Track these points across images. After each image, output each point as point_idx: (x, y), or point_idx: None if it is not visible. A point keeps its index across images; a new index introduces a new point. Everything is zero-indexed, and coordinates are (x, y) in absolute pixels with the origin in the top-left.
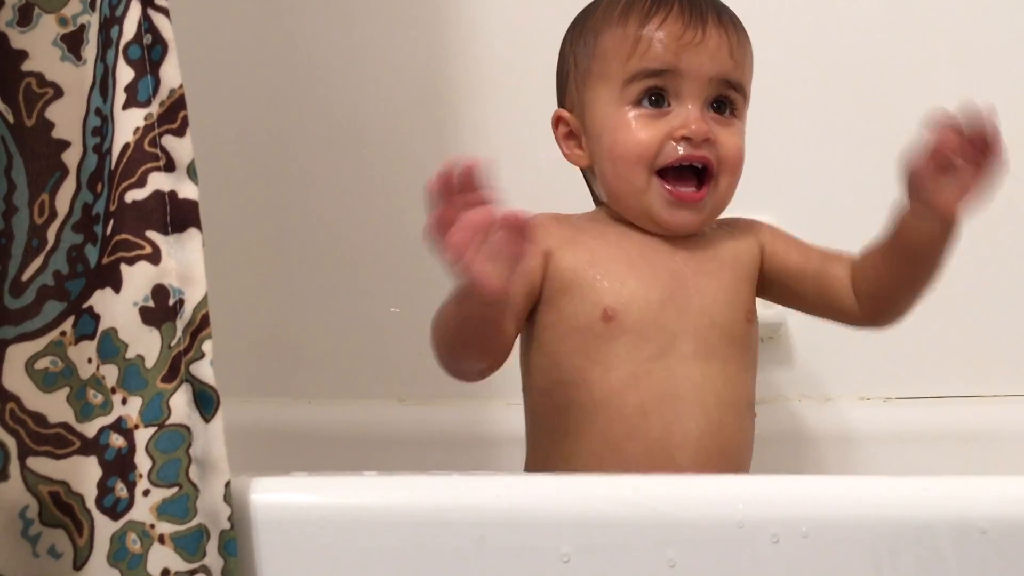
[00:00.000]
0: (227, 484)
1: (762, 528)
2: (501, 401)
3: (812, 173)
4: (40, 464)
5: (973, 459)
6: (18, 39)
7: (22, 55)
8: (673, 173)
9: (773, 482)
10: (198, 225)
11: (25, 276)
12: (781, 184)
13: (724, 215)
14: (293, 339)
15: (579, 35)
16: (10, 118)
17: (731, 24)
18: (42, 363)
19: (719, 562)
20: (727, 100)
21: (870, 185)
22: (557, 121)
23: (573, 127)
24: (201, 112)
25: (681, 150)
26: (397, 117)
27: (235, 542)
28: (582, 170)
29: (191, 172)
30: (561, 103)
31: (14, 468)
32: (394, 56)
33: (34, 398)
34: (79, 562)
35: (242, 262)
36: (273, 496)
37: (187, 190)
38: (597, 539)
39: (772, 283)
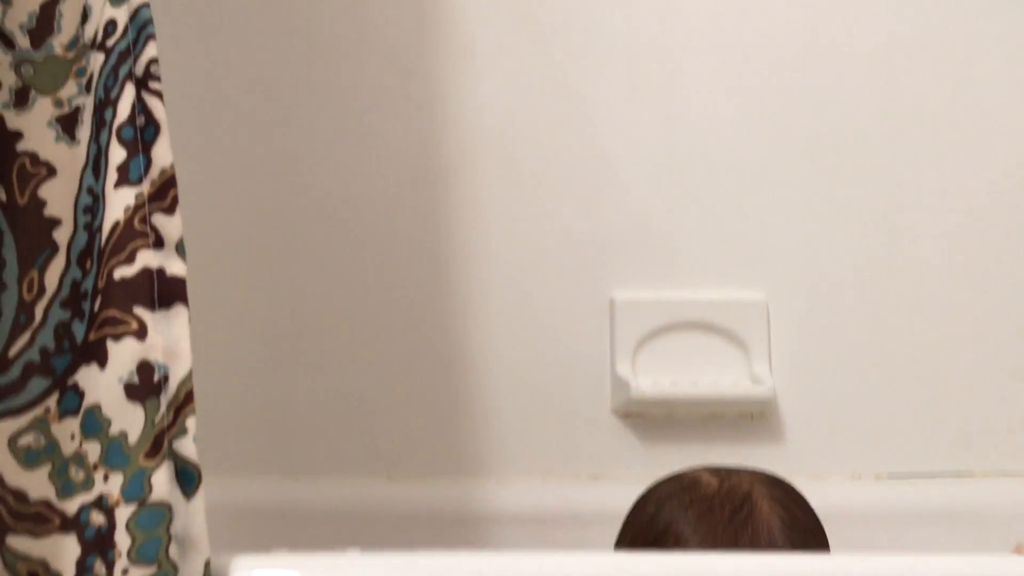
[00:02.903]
0: (207, 563)
1: None
2: (491, 479)
3: (804, 248)
4: (19, 542)
5: (966, 537)
6: (14, 120)
7: (17, 136)
8: None
9: (765, 561)
10: (185, 301)
11: (12, 352)
12: (772, 260)
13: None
14: (279, 415)
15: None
16: (3, 196)
17: None
18: (25, 440)
19: None
20: None
21: (864, 259)
22: None
23: None
24: (192, 190)
25: None
26: (388, 194)
27: None
28: None
29: (179, 249)
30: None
31: None
32: (385, 134)
33: (15, 475)
34: None
35: (229, 338)
36: (254, 574)
37: (175, 267)
38: None
39: None
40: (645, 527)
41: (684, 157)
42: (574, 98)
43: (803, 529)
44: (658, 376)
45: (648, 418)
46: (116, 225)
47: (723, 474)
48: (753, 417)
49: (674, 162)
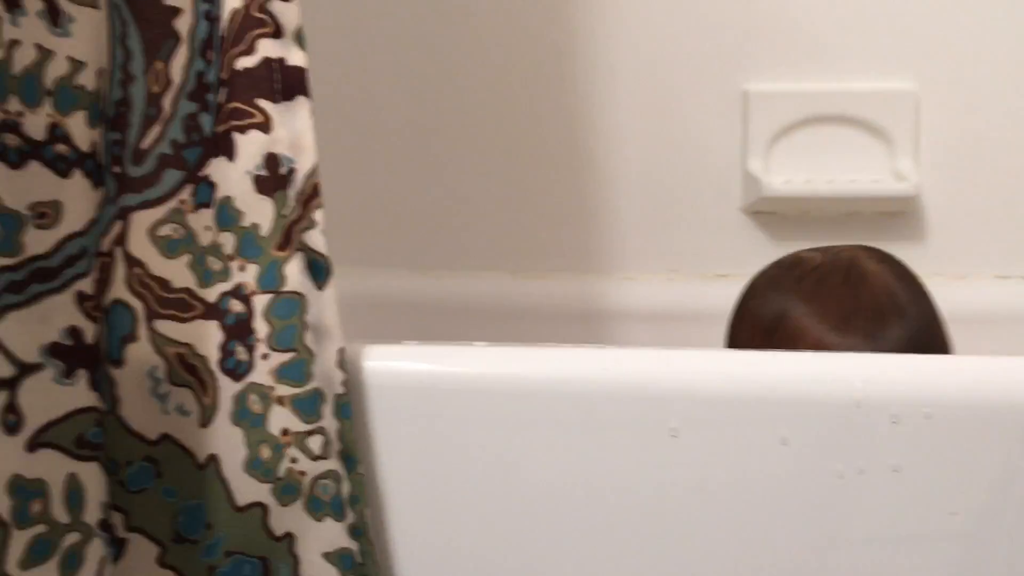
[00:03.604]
0: (340, 350)
1: (881, 408)
2: (616, 276)
3: (962, 36)
4: (166, 327)
5: None
6: None
7: None
8: None
9: (894, 361)
10: (307, 93)
11: (144, 144)
12: (926, 47)
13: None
14: (406, 211)
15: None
16: None
17: None
18: (164, 230)
19: (835, 442)
20: None
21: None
22: None
23: None
24: None
25: None
26: None
27: (349, 406)
28: None
29: (299, 38)
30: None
31: (142, 330)
32: None
33: (158, 264)
34: (205, 419)
35: (355, 132)
36: (384, 363)
37: (295, 57)
38: (706, 415)
39: None
40: (759, 315)
41: None
42: None
43: (914, 282)
44: (792, 173)
45: (780, 216)
46: (235, 13)
47: (822, 249)
48: (894, 215)
49: None
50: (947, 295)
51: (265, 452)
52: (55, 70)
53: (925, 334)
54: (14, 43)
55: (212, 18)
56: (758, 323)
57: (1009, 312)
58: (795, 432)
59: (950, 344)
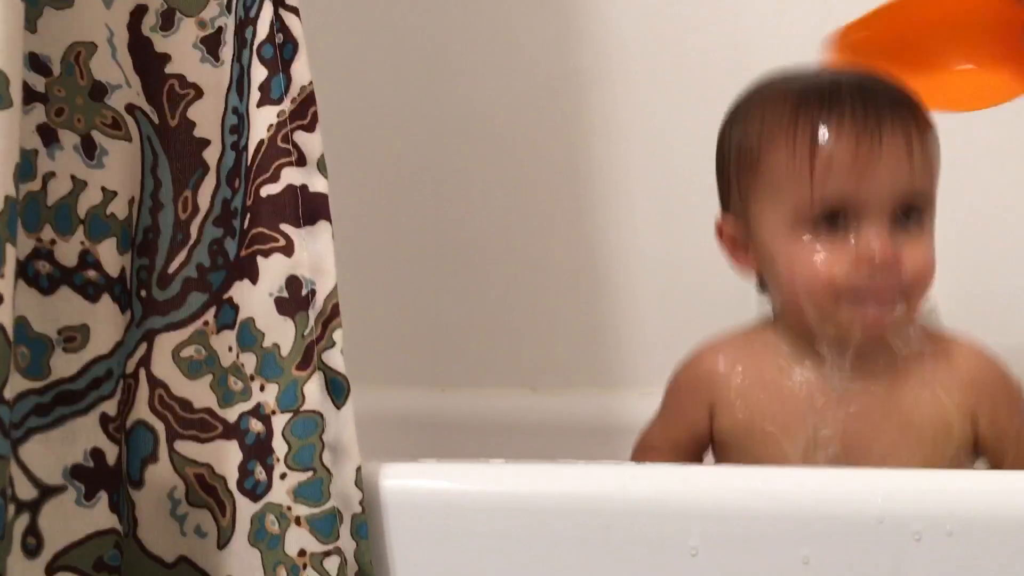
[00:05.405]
0: (358, 469)
1: (903, 525)
2: (635, 390)
3: None
4: (186, 447)
5: None
6: (161, 43)
7: (165, 58)
8: (859, 295)
9: (915, 476)
10: (328, 218)
11: (171, 269)
12: None
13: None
14: (425, 327)
15: (741, 133)
16: (155, 119)
17: (912, 121)
18: (187, 351)
19: (857, 560)
20: (911, 209)
21: None
22: (720, 230)
23: (738, 236)
24: (331, 106)
25: (864, 278)
26: (527, 103)
27: (366, 525)
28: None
29: (321, 166)
30: (723, 202)
31: (163, 451)
32: (522, 44)
33: (180, 385)
34: (223, 541)
35: (374, 252)
36: (402, 481)
37: (318, 184)
38: (726, 533)
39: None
40: (742, 159)
41: None
42: None
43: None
44: None
45: None
46: (261, 144)
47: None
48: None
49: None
50: None
51: (282, 574)
52: (88, 199)
53: None
54: (50, 175)
55: (239, 148)
56: (745, 165)
57: None
58: (817, 551)
59: None
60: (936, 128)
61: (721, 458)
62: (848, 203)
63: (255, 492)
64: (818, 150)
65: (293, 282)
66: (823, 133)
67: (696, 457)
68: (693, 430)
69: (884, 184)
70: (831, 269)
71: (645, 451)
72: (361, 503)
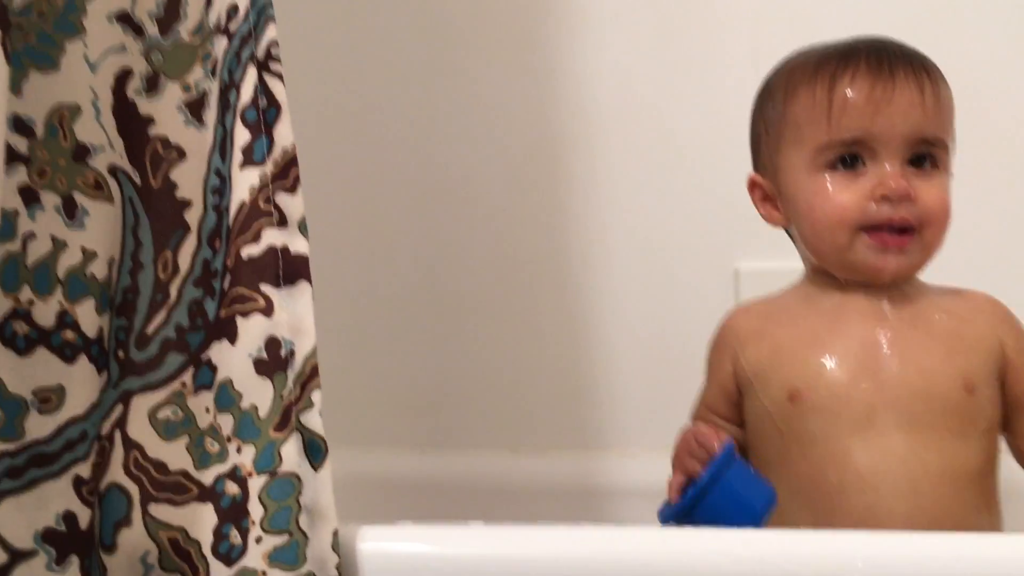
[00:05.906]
0: (335, 532)
1: None
2: (616, 452)
3: None
4: (161, 511)
5: None
6: (146, 106)
7: (149, 121)
8: (875, 227)
9: (893, 539)
10: (308, 278)
11: (150, 329)
12: None
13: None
14: (406, 389)
15: (768, 100)
16: (137, 180)
17: (924, 73)
18: (164, 413)
19: None
20: (926, 154)
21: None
22: (752, 185)
23: (768, 190)
24: (313, 169)
25: (881, 210)
26: (508, 168)
27: None
28: (785, 229)
29: (302, 228)
30: (755, 165)
31: (136, 514)
32: (504, 107)
33: (156, 447)
34: None
35: (356, 313)
36: (380, 544)
37: (298, 245)
38: None
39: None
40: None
41: None
42: (695, 66)
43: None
44: None
45: None
46: (242, 205)
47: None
48: None
49: None
50: None
51: None
52: (68, 260)
53: None
54: (30, 235)
55: (221, 210)
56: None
57: None
58: None
59: None
60: (949, 86)
61: (758, 397)
62: (864, 141)
63: (230, 556)
64: (834, 93)
65: (272, 343)
66: (840, 78)
67: (736, 418)
68: (725, 388)
69: (897, 123)
70: (846, 201)
71: (692, 422)
72: (338, 567)
